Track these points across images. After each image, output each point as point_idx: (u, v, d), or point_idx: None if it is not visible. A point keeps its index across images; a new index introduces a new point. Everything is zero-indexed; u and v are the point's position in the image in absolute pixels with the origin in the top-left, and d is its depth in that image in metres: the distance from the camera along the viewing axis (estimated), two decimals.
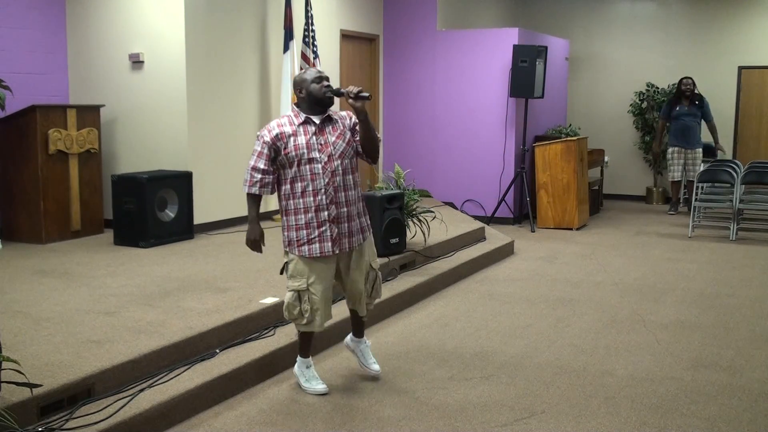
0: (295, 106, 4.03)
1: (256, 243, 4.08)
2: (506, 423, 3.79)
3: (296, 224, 3.94)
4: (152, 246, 6.63)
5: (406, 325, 5.40)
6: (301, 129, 3.94)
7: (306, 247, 3.94)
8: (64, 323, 4.34)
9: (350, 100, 3.88)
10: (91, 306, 4.71)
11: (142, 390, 3.70)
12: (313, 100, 3.95)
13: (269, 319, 4.73)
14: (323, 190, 3.92)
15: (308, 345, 4.18)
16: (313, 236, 3.93)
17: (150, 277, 5.51)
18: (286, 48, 7.89)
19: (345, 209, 3.98)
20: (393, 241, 6.25)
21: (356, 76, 9.84)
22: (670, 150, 10.38)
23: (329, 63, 8.90)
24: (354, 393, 4.16)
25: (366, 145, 4.02)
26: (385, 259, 6.12)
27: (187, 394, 3.77)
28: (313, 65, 7.98)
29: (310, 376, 4.15)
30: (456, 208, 9.72)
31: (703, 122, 10.31)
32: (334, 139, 3.97)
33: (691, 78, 10.32)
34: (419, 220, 6.77)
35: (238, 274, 5.64)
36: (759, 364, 4.67)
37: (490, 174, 9.73)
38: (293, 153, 3.90)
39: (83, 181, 7.02)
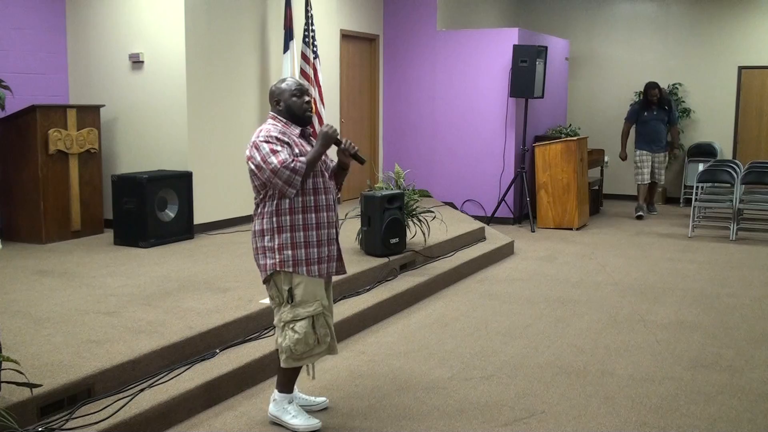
0: (278, 116, 3.67)
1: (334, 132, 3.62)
2: (506, 423, 3.79)
3: (305, 241, 3.57)
4: (152, 246, 6.62)
5: (406, 325, 5.40)
6: (300, 140, 3.64)
7: (316, 267, 3.59)
8: (64, 323, 4.34)
9: (344, 156, 3.68)
10: (91, 306, 4.71)
11: (142, 390, 3.69)
12: (291, 115, 3.64)
13: (269, 319, 4.70)
14: (332, 206, 3.67)
15: (295, 378, 3.77)
16: (323, 255, 3.62)
17: (150, 277, 5.51)
18: (286, 48, 7.89)
19: (335, 230, 3.74)
20: (393, 241, 6.26)
21: (356, 76, 9.84)
22: (638, 153, 10.40)
23: (329, 63, 8.90)
24: (353, 393, 4.16)
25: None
26: (385, 259, 6.14)
27: (187, 394, 3.77)
28: (313, 65, 7.98)
29: (297, 412, 3.71)
30: (456, 208, 9.72)
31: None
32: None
33: (656, 84, 10.27)
34: (419, 220, 6.77)
35: (238, 274, 5.63)
36: (759, 364, 4.67)
37: (490, 174, 9.73)
38: None
39: (83, 181, 7.02)
